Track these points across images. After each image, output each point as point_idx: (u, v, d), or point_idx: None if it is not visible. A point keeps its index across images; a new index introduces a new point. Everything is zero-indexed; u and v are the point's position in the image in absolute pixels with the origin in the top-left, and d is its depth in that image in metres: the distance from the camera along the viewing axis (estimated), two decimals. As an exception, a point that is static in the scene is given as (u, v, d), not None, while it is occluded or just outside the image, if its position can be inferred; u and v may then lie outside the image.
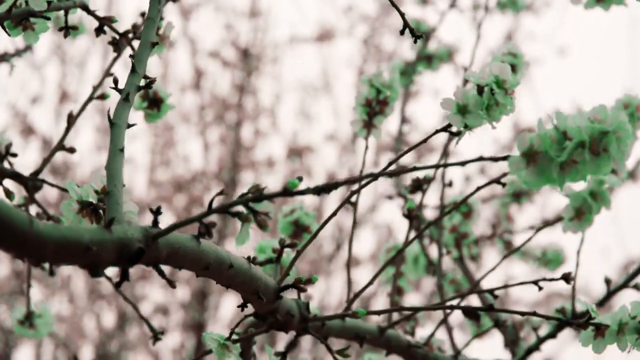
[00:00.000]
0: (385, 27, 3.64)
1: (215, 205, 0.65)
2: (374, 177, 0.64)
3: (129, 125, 0.74)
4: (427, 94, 2.98)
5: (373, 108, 1.03)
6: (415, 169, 0.69)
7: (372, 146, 3.58)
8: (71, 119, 1.02)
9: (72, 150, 1.03)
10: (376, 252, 3.49)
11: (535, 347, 1.09)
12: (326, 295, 3.74)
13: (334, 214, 0.87)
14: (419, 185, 1.04)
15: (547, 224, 1.06)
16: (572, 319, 0.86)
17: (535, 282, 0.91)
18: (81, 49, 3.78)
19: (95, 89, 1.03)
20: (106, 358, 3.19)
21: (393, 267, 1.32)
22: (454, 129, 0.89)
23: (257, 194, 0.64)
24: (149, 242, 0.65)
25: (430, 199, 1.50)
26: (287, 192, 0.64)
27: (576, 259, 1.04)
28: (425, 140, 0.88)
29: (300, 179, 0.65)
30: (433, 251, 1.36)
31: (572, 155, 0.63)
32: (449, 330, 1.07)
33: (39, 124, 3.63)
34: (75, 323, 3.35)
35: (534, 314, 0.87)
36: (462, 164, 0.69)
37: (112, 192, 0.69)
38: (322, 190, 0.64)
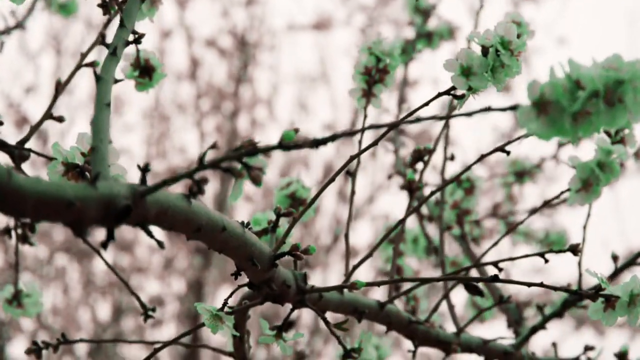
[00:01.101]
0: (383, 17, 3.60)
1: (207, 160, 0.62)
2: (375, 127, 0.60)
3: (116, 81, 0.70)
4: (426, 82, 2.95)
5: (373, 76, 0.99)
6: (419, 120, 0.65)
7: (371, 136, 3.54)
8: (59, 87, 0.98)
9: (60, 119, 0.99)
10: (374, 242, 3.46)
11: (541, 326, 1.06)
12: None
13: (332, 179, 0.83)
14: (420, 156, 1.00)
15: (548, 202, 1.02)
16: (581, 291, 0.83)
17: (542, 254, 0.88)
18: (76, 39, 3.74)
19: (83, 56, 0.99)
20: (101, 350, 3.15)
21: (392, 245, 1.28)
22: (457, 92, 0.85)
23: (251, 148, 0.60)
24: (136, 199, 0.62)
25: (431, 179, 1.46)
26: (283, 145, 0.61)
27: (582, 234, 1.01)
28: (427, 103, 0.85)
29: (296, 130, 0.61)
30: (433, 232, 1.32)
31: (585, 105, 0.59)
32: (451, 308, 1.04)
33: (33, 114, 3.59)
34: (70, 315, 3.31)
35: (541, 284, 0.83)
36: (469, 114, 0.65)
37: (98, 147, 0.65)
38: (319, 142, 0.60)
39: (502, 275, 0.96)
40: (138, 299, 1.01)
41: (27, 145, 0.92)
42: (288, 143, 0.60)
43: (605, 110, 0.60)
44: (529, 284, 0.83)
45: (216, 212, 0.69)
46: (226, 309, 0.81)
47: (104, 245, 0.63)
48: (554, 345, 1.12)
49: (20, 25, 1.62)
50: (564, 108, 0.59)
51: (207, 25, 3.57)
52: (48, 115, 0.98)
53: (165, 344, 0.90)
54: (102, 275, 3.39)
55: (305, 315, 3.46)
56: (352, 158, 0.85)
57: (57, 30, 3.69)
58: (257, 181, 0.61)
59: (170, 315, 3.34)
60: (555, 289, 0.82)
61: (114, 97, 3.51)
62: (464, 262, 1.41)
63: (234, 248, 0.71)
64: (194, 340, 2.91)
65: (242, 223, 0.72)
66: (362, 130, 0.63)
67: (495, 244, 0.96)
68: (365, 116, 0.98)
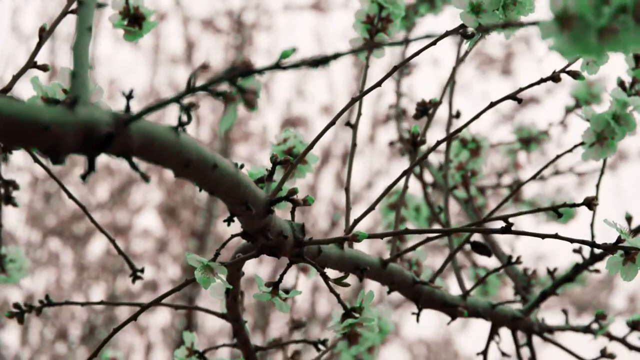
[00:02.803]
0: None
1: (196, 83, 0.56)
2: (383, 45, 0.55)
3: (99, 5, 0.65)
4: (425, 65, 2.90)
5: (375, 25, 0.94)
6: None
7: (368, 119, 3.49)
8: (43, 34, 0.93)
9: (44, 67, 0.94)
10: (373, 228, 3.40)
11: (551, 291, 1.00)
12: (319, 279, 3.65)
13: (333, 122, 0.78)
14: (425, 110, 0.95)
15: (559, 156, 0.97)
16: (599, 244, 0.78)
17: (555, 209, 0.82)
18: (70, 24, 3.68)
19: (70, 1, 0.94)
20: (94, 335, 3.09)
21: (393, 211, 1.23)
22: (467, 31, 0.80)
23: (245, 68, 0.55)
24: (119, 127, 0.56)
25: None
26: (279, 65, 0.55)
27: (595, 192, 0.95)
28: (434, 43, 0.79)
29: (294, 49, 0.56)
30: (436, 201, 1.27)
31: (612, 21, 0.54)
32: (457, 270, 0.98)
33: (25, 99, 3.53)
34: (63, 300, 3.25)
35: (556, 236, 0.78)
36: (486, 31, 0.60)
37: (78, 73, 0.59)
38: (319, 62, 0.55)
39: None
40: (126, 258, 0.96)
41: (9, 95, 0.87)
42: (286, 62, 0.55)
43: (634, 27, 0.54)
44: (543, 236, 0.77)
45: (207, 148, 0.63)
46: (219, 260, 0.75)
47: (84, 176, 0.58)
48: (565, 312, 1.07)
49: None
50: (589, 23, 0.53)
51: (203, 6, 3.52)
52: (31, 63, 0.93)
53: (153, 303, 0.85)
54: (96, 260, 3.33)
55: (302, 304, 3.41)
56: (353, 100, 0.80)
57: (51, 15, 3.63)
58: (251, 105, 0.56)
59: (165, 299, 3.28)
60: (571, 240, 0.77)
61: (108, 84, 3.44)
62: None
63: (226, 189, 0.65)
64: (189, 321, 2.85)
65: (236, 164, 0.67)
66: (368, 48, 0.57)
67: (505, 200, 0.91)
68: (367, 66, 0.93)
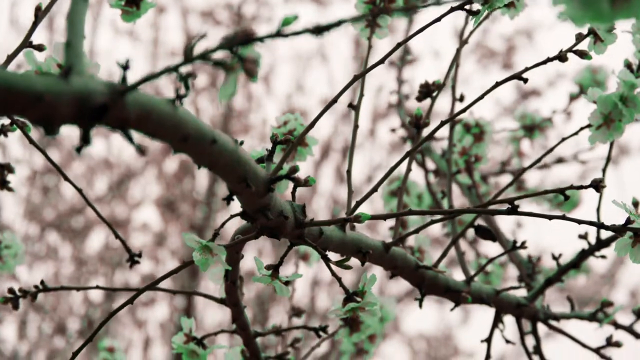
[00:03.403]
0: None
1: (195, 52, 0.54)
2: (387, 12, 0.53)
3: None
4: (426, 57, 2.88)
5: (377, 5, 0.92)
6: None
7: (368, 113, 3.47)
8: (39, 14, 0.91)
9: (40, 47, 0.92)
10: (373, 222, 3.38)
11: (556, 278, 0.99)
12: (319, 272, 3.64)
13: (334, 100, 0.76)
14: (428, 92, 0.93)
15: (564, 139, 0.95)
16: (607, 225, 0.76)
17: (562, 191, 0.80)
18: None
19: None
20: (92, 329, 3.07)
21: (395, 198, 1.21)
22: (472, 8, 0.78)
23: (245, 37, 0.53)
24: (114, 98, 0.54)
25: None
26: (281, 33, 0.53)
27: (602, 174, 0.93)
28: (439, 19, 0.77)
29: (295, 16, 0.54)
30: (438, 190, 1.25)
31: (626, -14, 0.52)
32: (460, 255, 0.96)
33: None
34: (61, 294, 3.23)
35: (564, 217, 0.76)
36: None
37: (73, 42, 0.57)
38: (321, 29, 0.53)
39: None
40: (123, 242, 0.94)
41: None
42: (287, 30, 0.53)
43: (648, -8, 0.52)
44: (550, 217, 0.76)
45: (205, 123, 0.61)
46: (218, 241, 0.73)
47: (79, 149, 0.56)
48: (570, 299, 1.05)
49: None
50: (602, -11, 0.52)
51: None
52: (27, 42, 0.91)
53: (149, 286, 0.83)
54: (95, 254, 3.31)
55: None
56: (356, 78, 0.78)
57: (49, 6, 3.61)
58: (252, 74, 0.54)
59: (163, 294, 3.26)
60: (579, 221, 0.75)
61: (107, 75, 3.43)
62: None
63: (225, 165, 0.63)
64: (187, 316, 2.83)
65: (235, 140, 0.65)
66: (372, 15, 0.55)
67: (510, 184, 0.89)
68: (370, 47, 0.91)
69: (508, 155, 1.36)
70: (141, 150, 0.58)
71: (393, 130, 1.31)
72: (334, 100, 0.76)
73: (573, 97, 1.36)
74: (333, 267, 0.78)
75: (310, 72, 3.70)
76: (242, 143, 0.66)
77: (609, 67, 1.42)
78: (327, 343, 3.29)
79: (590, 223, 0.75)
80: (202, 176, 3.41)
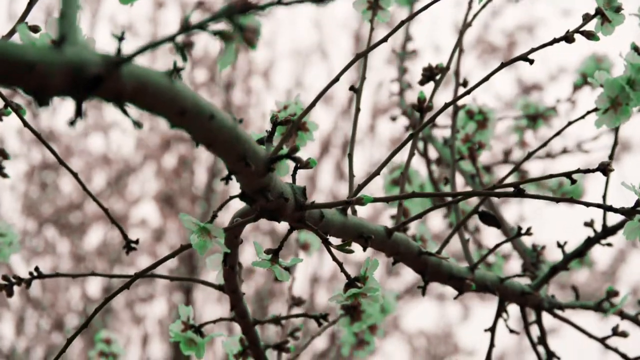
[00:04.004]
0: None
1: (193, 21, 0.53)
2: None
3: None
4: (427, 52, 2.86)
5: (379, -14, 0.90)
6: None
7: (368, 110, 3.45)
8: (34, -6, 0.89)
9: (35, 29, 0.90)
10: (374, 217, 3.37)
11: (562, 266, 0.97)
12: (318, 269, 3.62)
13: (336, 79, 0.74)
14: (431, 75, 0.91)
15: (571, 123, 0.93)
16: (616, 208, 0.74)
17: (568, 175, 0.78)
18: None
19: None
20: (90, 325, 3.05)
21: (397, 187, 1.19)
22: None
23: (245, 5, 0.51)
24: (109, 69, 0.52)
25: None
26: (282, 1, 0.52)
27: (611, 150, 0.91)
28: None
29: (297, -16, 0.52)
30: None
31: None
32: (464, 242, 0.94)
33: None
34: (59, 290, 3.22)
35: (571, 199, 0.74)
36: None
37: (67, 12, 0.55)
38: (324, -3, 0.51)
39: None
40: (119, 228, 0.92)
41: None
42: (288, -2, 0.51)
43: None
44: (557, 199, 0.74)
45: (203, 98, 0.59)
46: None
47: (72, 122, 0.54)
48: (574, 289, 1.03)
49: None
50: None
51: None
52: (22, 22, 0.89)
53: (146, 270, 0.81)
54: (93, 250, 3.29)
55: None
56: (358, 56, 0.76)
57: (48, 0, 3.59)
58: (251, 44, 0.52)
59: (161, 289, 3.25)
60: (587, 204, 0.74)
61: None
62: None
63: (224, 142, 0.61)
64: (187, 304, 2.81)
65: (234, 118, 0.63)
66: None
67: (516, 168, 0.87)
68: (372, 29, 0.89)
69: (511, 146, 1.34)
70: (137, 124, 0.56)
71: (394, 118, 1.29)
72: (336, 79, 0.74)
73: (577, 87, 1.34)
74: (334, 251, 0.76)
75: (310, 68, 3.69)
76: (241, 121, 0.64)
77: (613, 56, 1.40)
78: (326, 339, 3.27)
79: (598, 205, 0.73)
80: (201, 172, 3.39)
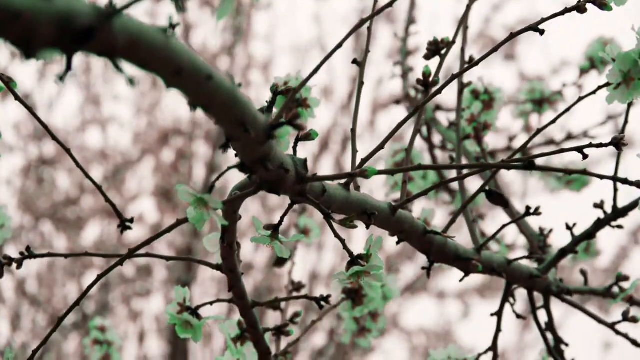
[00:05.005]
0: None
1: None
2: None
3: None
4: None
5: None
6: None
7: (369, 104, 3.42)
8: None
9: None
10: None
11: (571, 249, 0.94)
12: (317, 265, 3.59)
13: (340, 45, 0.71)
14: (437, 49, 0.88)
15: (583, 97, 0.90)
16: (631, 181, 0.71)
17: (580, 149, 0.76)
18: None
19: None
20: (86, 321, 3.02)
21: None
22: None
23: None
24: (101, 21, 0.49)
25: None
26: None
27: (622, 127, 0.88)
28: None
29: None
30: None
31: None
32: (470, 223, 0.91)
33: (20, 81, 3.46)
34: (55, 285, 3.19)
35: (584, 172, 0.71)
36: None
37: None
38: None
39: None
40: (114, 207, 0.89)
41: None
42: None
43: None
44: (570, 172, 0.71)
45: (201, 57, 0.56)
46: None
47: (62, 77, 0.51)
48: (583, 273, 1.00)
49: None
50: None
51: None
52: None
53: (140, 247, 0.78)
54: (90, 246, 3.26)
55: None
56: (363, 22, 0.73)
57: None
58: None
59: (159, 285, 3.22)
60: (600, 177, 0.71)
61: (103, 71, 3.35)
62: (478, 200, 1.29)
63: (222, 105, 0.58)
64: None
65: (233, 80, 0.60)
66: None
67: (527, 142, 0.84)
68: (376, 1, 0.86)
69: (517, 131, 1.31)
70: (131, 81, 0.53)
71: (397, 102, 1.26)
72: (339, 45, 0.71)
73: (584, 71, 1.31)
74: (337, 228, 0.73)
75: (309, 64, 3.66)
76: (240, 85, 0.61)
77: (620, 40, 1.38)
78: (325, 336, 3.23)
79: (613, 179, 0.71)
80: (200, 167, 3.36)
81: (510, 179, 3.10)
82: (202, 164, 3.33)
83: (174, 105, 3.47)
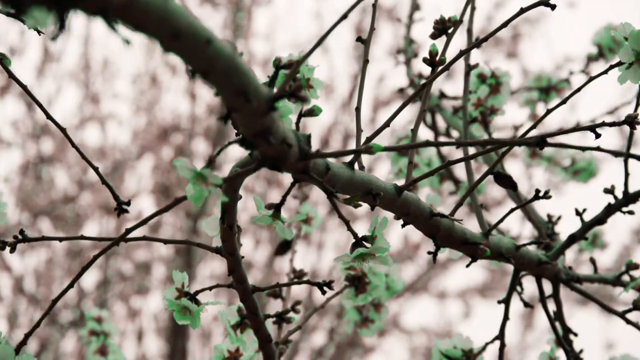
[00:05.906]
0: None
1: None
2: None
3: None
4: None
5: None
6: None
7: (370, 103, 3.40)
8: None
9: None
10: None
11: (580, 235, 0.91)
12: (317, 264, 3.56)
13: (345, 16, 0.69)
14: (444, 28, 0.85)
15: (594, 78, 0.88)
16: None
17: (593, 128, 0.73)
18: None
19: None
20: (84, 319, 2.99)
21: (404, 157, 1.14)
22: None
23: None
24: (94, -20, 0.47)
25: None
26: None
27: (636, 105, 0.85)
28: None
29: None
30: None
31: None
32: (477, 208, 0.89)
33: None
34: (53, 282, 3.16)
35: (598, 148, 0.69)
36: None
37: None
38: None
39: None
40: (110, 188, 0.86)
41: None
42: None
43: None
44: (584, 148, 0.68)
45: (199, 21, 0.54)
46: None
47: (55, 37, 0.49)
48: (593, 261, 0.98)
49: None
50: None
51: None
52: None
53: (132, 228, 0.75)
54: (88, 243, 3.23)
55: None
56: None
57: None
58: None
59: (158, 282, 3.19)
60: (614, 153, 0.68)
61: (103, 64, 3.32)
62: (482, 188, 1.27)
63: (222, 72, 0.56)
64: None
65: (233, 46, 0.57)
66: None
67: (541, 120, 0.81)
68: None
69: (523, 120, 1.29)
70: (126, 41, 0.50)
71: (401, 90, 1.24)
72: (344, 16, 0.69)
73: (592, 58, 1.28)
74: (341, 207, 0.71)
75: (309, 61, 3.63)
76: (241, 54, 0.59)
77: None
78: (324, 335, 3.21)
79: (629, 155, 0.68)
80: (199, 163, 3.33)
81: (514, 174, 3.07)
82: (201, 161, 3.30)
83: (173, 102, 3.45)
